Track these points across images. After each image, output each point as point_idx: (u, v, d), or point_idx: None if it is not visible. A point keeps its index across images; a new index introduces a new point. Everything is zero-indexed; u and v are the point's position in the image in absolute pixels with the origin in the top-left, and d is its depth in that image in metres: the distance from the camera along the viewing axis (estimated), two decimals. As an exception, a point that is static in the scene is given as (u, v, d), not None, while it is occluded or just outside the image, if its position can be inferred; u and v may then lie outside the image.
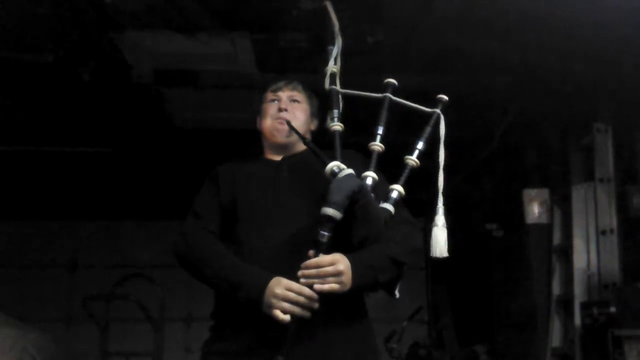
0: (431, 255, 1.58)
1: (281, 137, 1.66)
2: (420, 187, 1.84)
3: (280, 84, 1.74)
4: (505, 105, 3.44)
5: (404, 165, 1.63)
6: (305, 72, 2.87)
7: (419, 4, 2.44)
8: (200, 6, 2.57)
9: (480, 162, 4.18)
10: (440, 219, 1.61)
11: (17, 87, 3.30)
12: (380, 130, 1.65)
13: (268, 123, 1.68)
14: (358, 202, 1.40)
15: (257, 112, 1.76)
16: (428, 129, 1.69)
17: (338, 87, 1.80)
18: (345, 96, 1.80)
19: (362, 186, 1.44)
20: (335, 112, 1.72)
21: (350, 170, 1.46)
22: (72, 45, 2.83)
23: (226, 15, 2.64)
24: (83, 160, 4.40)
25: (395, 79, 1.76)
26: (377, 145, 1.63)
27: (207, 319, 1.56)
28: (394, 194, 1.56)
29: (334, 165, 1.47)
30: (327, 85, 1.81)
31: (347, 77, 1.88)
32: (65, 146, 4.21)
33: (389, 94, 1.73)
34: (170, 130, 3.91)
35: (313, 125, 1.76)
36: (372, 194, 1.52)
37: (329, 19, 2.00)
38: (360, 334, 1.51)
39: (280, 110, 1.67)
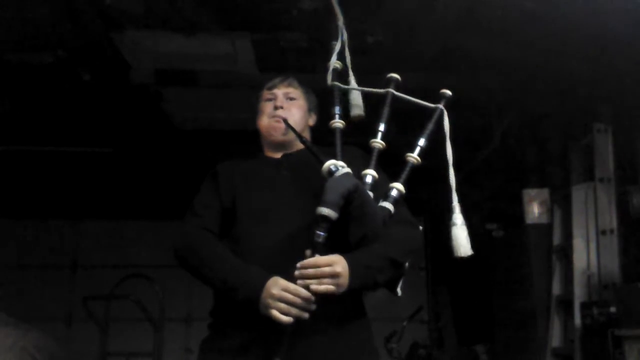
0: (455, 255, 1.55)
1: (278, 136, 1.65)
2: (420, 185, 1.82)
3: (276, 81, 1.73)
4: (505, 105, 3.44)
5: (404, 162, 1.60)
6: (305, 71, 2.88)
7: (419, 4, 2.44)
8: (200, 6, 2.57)
9: (480, 162, 4.18)
10: (458, 218, 1.58)
11: (18, 87, 3.30)
12: (381, 127, 1.63)
13: (265, 122, 1.67)
14: (354, 201, 1.38)
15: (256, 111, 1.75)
16: (430, 125, 1.66)
17: (353, 83, 1.78)
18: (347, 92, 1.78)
19: (358, 185, 1.41)
20: (337, 109, 1.70)
21: (348, 170, 1.44)
22: (72, 46, 2.84)
23: (226, 15, 2.64)
24: (83, 160, 4.40)
25: (395, 79, 1.75)
26: (378, 143, 1.61)
27: (206, 319, 1.55)
28: (394, 193, 1.54)
29: (331, 164, 1.45)
30: (329, 81, 1.79)
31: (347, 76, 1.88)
32: (65, 146, 4.22)
33: (391, 90, 1.70)
34: (169, 130, 3.91)
35: (311, 121, 1.74)
36: (371, 193, 1.50)
37: (333, 13, 1.96)
38: (358, 334, 1.50)
39: (276, 108, 1.66)
